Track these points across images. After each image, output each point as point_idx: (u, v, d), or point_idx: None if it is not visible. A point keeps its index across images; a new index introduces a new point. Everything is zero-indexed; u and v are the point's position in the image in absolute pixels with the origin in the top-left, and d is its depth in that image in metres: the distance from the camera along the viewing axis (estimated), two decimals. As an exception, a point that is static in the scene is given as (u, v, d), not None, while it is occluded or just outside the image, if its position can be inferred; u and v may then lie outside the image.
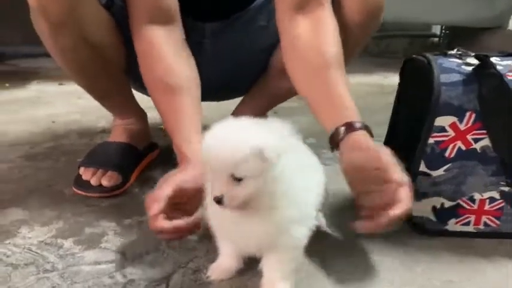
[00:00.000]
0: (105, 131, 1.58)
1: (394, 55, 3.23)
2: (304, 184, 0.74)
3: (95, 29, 1.02)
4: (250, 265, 0.82)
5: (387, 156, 0.77)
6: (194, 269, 0.83)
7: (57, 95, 2.11)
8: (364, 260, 0.88)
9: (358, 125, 0.81)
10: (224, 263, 0.81)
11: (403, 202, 0.73)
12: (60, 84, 2.28)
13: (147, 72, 0.98)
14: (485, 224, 0.94)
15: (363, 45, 1.14)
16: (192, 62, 1.00)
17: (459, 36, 3.08)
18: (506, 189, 0.91)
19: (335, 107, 0.85)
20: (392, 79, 2.12)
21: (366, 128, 0.83)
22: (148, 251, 0.89)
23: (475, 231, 0.94)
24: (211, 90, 1.24)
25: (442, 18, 2.94)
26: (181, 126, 0.92)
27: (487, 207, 0.92)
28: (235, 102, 1.45)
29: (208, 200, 0.73)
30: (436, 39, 3.35)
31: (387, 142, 1.13)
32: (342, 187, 0.86)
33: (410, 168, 0.91)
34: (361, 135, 0.81)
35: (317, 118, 0.88)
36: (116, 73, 1.15)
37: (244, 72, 1.28)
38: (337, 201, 1.06)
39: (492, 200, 0.92)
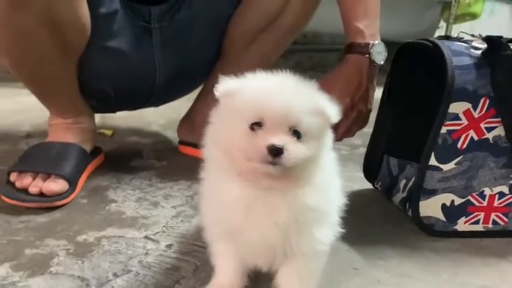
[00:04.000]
0: (30, 136, 1.32)
1: (326, 68, 3.24)
2: (337, 183, 0.62)
3: (67, 6, 0.84)
4: (257, 282, 0.65)
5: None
6: (184, 293, 0.65)
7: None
8: (385, 267, 0.75)
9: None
10: (224, 282, 0.64)
11: None
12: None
13: None
14: (494, 222, 0.86)
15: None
16: None
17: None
18: (516, 182, 0.85)
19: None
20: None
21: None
22: (116, 273, 0.69)
23: (484, 230, 0.87)
24: (164, 82, 1.10)
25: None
26: None
27: (496, 203, 0.85)
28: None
29: (216, 179, 0.58)
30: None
31: (374, 138, 1.04)
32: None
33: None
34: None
35: None
36: (72, 61, 0.95)
37: (201, 56, 1.14)
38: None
39: (501, 195, 0.85)
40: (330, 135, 0.58)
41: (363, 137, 1.08)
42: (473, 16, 2.78)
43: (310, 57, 3.36)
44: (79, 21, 0.88)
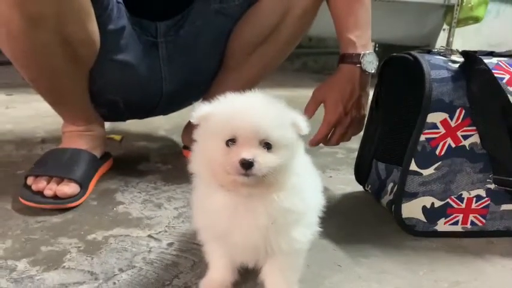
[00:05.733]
0: (45, 142, 1.41)
1: (331, 71, 3.28)
2: (313, 185, 0.70)
3: (79, 24, 0.92)
4: (247, 277, 0.73)
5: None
6: (181, 287, 0.73)
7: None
8: (367, 264, 0.82)
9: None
10: (217, 277, 0.71)
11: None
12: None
13: None
14: (472, 223, 0.93)
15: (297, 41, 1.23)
16: None
17: (389, 54, 3.21)
18: (492, 186, 0.90)
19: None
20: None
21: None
22: (122, 268, 0.77)
23: (462, 230, 0.93)
24: (170, 93, 1.17)
25: (377, 36, 3.06)
26: None
27: (474, 205, 0.91)
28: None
29: (203, 190, 0.65)
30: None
31: (364, 144, 1.11)
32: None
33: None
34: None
35: None
36: (83, 73, 1.03)
37: (205, 67, 1.22)
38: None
39: (479, 198, 0.91)
40: (300, 143, 0.65)
41: (358, 142, 1.15)
42: (476, 20, 2.82)
43: (315, 60, 3.43)
44: (89, 37, 0.96)
